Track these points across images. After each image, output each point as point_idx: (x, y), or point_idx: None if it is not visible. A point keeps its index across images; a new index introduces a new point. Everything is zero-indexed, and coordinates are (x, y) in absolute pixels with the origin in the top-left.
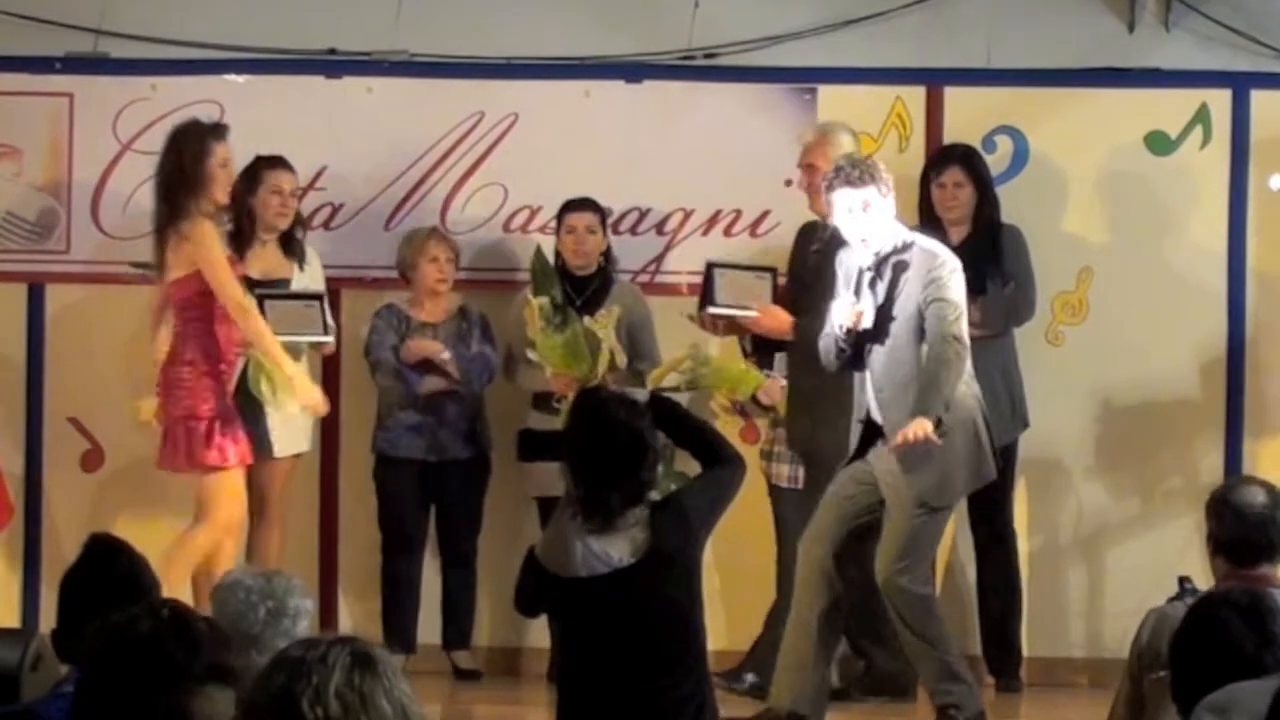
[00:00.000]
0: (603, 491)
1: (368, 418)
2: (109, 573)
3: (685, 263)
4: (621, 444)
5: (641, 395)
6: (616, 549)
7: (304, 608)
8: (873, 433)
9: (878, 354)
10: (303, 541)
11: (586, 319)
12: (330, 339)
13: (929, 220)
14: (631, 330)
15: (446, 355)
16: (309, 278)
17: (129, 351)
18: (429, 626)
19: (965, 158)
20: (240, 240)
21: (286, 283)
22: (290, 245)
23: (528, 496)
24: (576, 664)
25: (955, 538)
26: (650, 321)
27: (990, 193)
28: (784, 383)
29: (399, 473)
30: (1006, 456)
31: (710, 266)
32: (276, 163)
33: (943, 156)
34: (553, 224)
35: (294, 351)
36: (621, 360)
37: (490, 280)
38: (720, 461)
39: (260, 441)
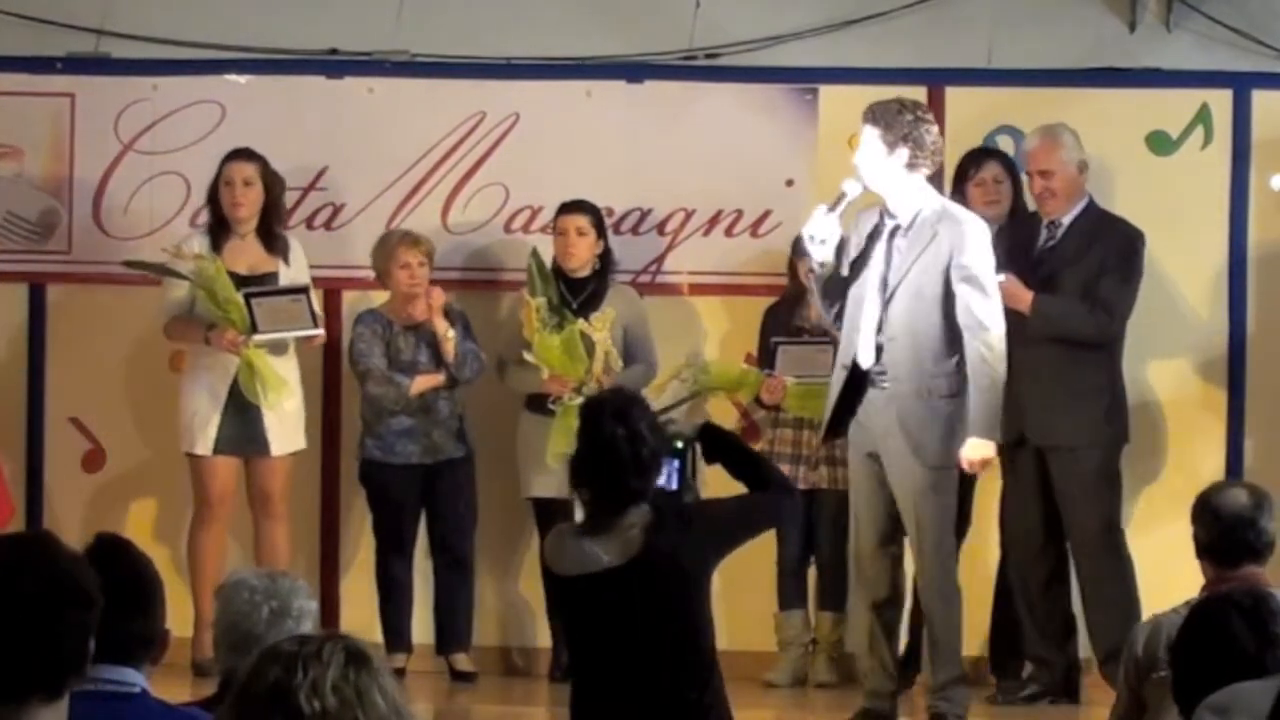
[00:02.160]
0: (591, 492)
1: None
2: (114, 573)
3: (686, 263)
4: (608, 448)
5: (688, 428)
6: (608, 550)
7: (308, 609)
8: (857, 381)
9: (899, 299)
10: (304, 542)
11: (580, 321)
12: (320, 331)
13: None
14: (628, 332)
15: (452, 334)
16: (295, 271)
17: (131, 351)
18: (427, 627)
19: (1000, 153)
20: (217, 235)
21: (275, 277)
22: (271, 239)
23: (521, 498)
24: (580, 663)
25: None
26: (647, 323)
27: (1021, 187)
28: (789, 380)
29: (396, 478)
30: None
31: (776, 344)
32: (232, 154)
33: (981, 154)
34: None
35: (281, 346)
36: (617, 363)
37: (490, 281)
38: (766, 487)
39: (256, 440)
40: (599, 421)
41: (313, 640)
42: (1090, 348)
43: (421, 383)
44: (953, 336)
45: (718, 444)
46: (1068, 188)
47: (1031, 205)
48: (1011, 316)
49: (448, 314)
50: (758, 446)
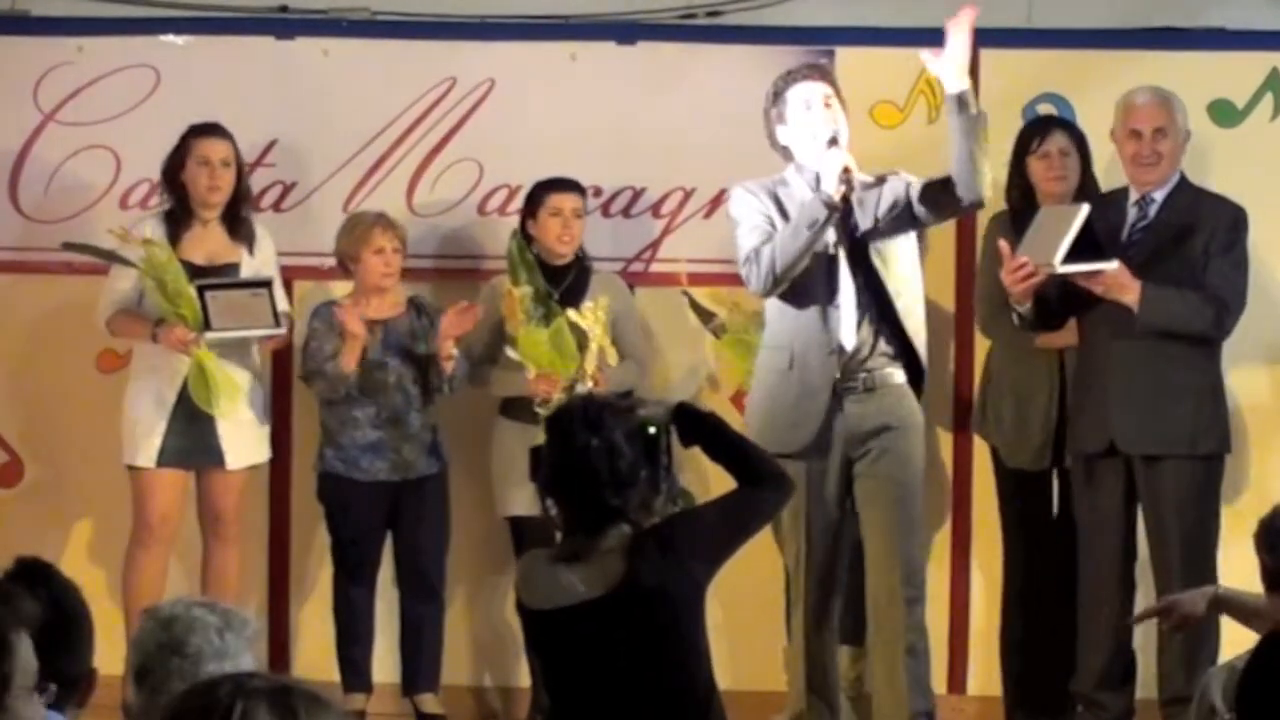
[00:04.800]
0: (566, 514)
1: None
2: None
3: (685, 249)
4: (581, 462)
5: (660, 410)
6: (585, 579)
7: (209, 648)
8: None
9: (883, 260)
10: (250, 565)
11: (571, 312)
12: (282, 331)
13: (1024, 202)
14: (614, 326)
15: (455, 353)
16: (260, 262)
17: (55, 349)
18: (391, 664)
19: (1066, 123)
20: (176, 220)
21: (236, 268)
22: (236, 226)
23: (498, 517)
24: (559, 706)
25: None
26: (635, 317)
27: (1090, 162)
28: None
29: (360, 496)
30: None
31: None
32: (205, 130)
33: (1045, 123)
34: None
35: (242, 347)
36: (613, 359)
37: (463, 270)
38: (755, 480)
39: (210, 451)
40: (569, 432)
41: (223, 685)
42: (1191, 342)
43: (350, 352)
44: None
45: (696, 426)
46: (1175, 155)
47: (1103, 181)
48: (1107, 310)
49: (420, 309)
50: None
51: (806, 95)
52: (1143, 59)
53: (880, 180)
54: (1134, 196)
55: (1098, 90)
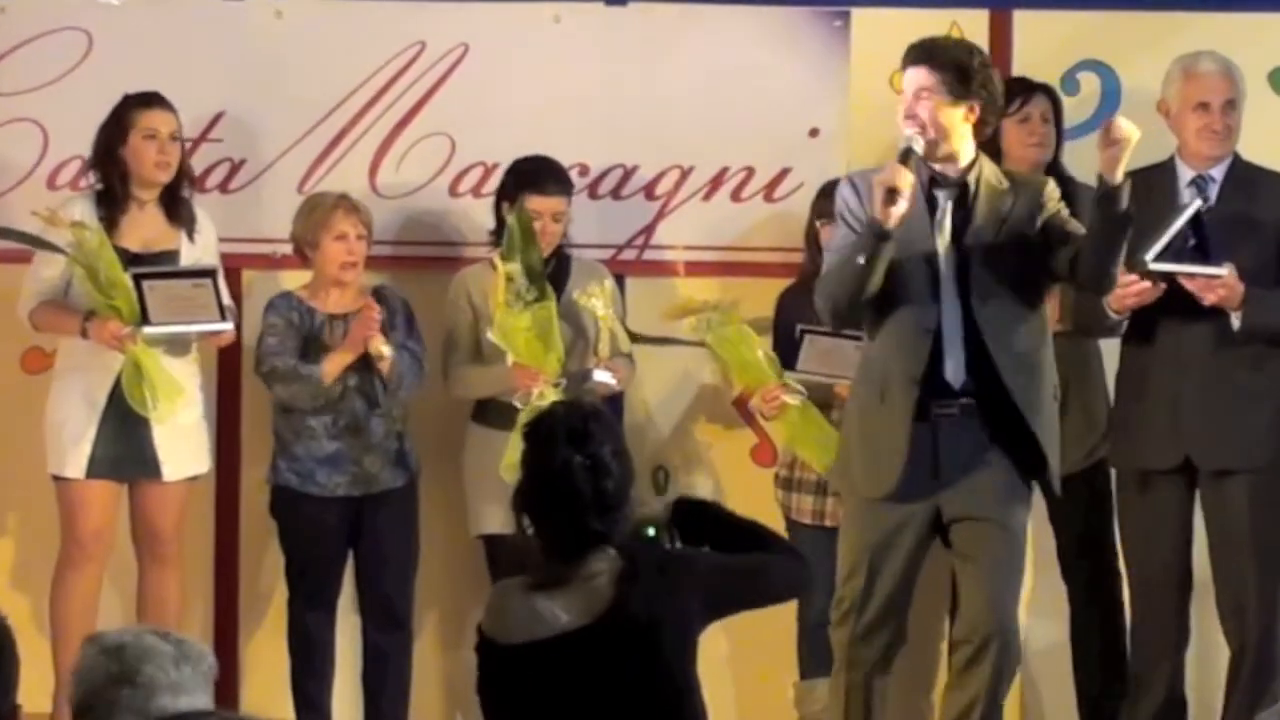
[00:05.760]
0: (543, 537)
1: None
2: None
3: (682, 235)
4: (562, 480)
5: (659, 510)
6: (566, 608)
7: (164, 680)
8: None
9: (981, 284)
10: (194, 589)
11: (578, 294)
12: (229, 326)
13: None
14: None
15: (388, 351)
16: (201, 249)
17: None
18: (353, 699)
19: (1049, 90)
20: (111, 202)
21: (174, 255)
22: (175, 208)
23: (470, 536)
24: None
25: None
26: (621, 309)
27: (1063, 136)
28: (790, 399)
29: (315, 513)
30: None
31: (803, 332)
32: (148, 100)
33: (1026, 85)
34: None
35: (182, 345)
36: (626, 345)
37: (433, 257)
38: (770, 550)
39: (144, 462)
40: (550, 446)
41: None
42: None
43: (334, 364)
44: None
45: (699, 521)
46: (1239, 129)
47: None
48: (1170, 313)
49: (385, 301)
50: (773, 470)
51: (904, 83)
52: (1196, 21)
53: (1013, 188)
54: (1188, 176)
55: (1145, 57)
